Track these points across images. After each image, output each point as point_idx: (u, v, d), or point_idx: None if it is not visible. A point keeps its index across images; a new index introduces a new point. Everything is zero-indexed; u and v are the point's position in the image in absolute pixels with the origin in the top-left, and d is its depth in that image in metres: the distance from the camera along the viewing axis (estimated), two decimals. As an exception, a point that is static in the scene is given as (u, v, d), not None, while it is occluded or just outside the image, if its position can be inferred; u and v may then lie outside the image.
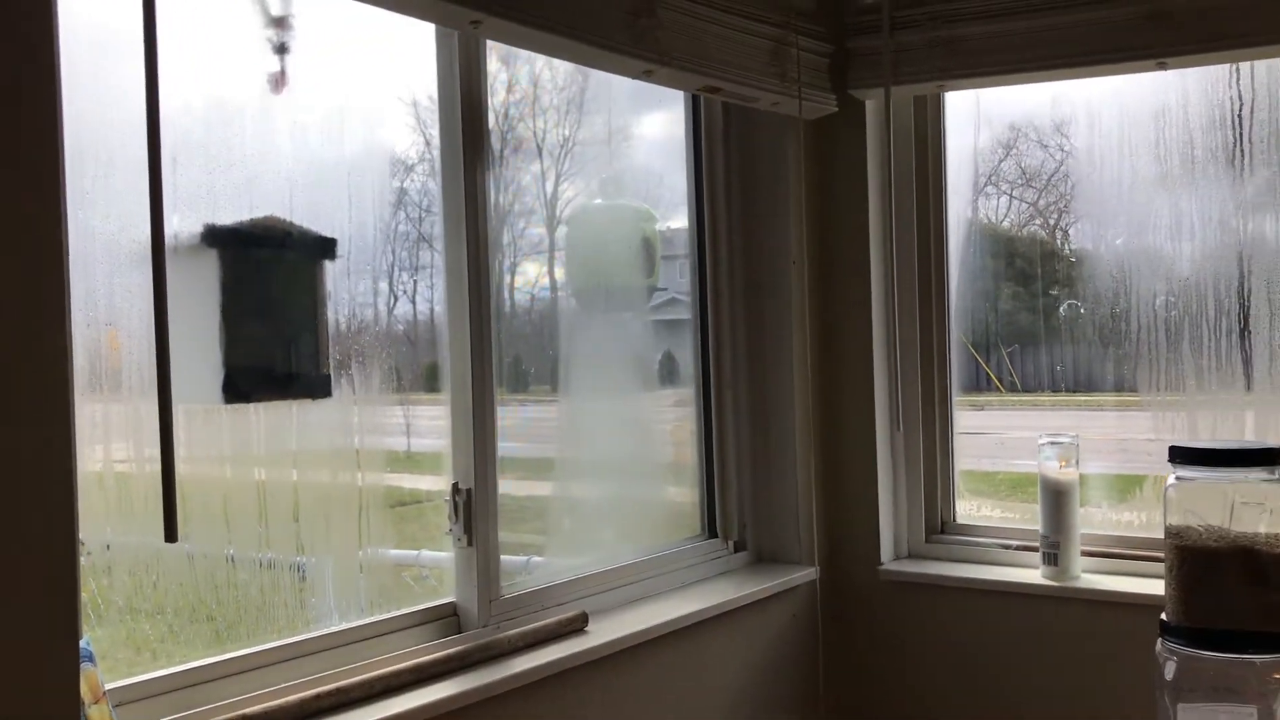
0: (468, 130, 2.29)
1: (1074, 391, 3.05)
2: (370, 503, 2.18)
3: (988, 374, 3.15)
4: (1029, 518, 2.95)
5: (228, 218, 1.93)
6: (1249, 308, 2.69)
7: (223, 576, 1.97)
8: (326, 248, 2.08)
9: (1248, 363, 2.69)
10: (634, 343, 2.94)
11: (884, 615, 3.01)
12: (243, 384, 1.95)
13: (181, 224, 1.87)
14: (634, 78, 2.47)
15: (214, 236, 1.91)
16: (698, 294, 3.01)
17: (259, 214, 1.98)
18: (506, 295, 2.60)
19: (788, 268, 3.01)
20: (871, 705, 3.04)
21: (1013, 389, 3.13)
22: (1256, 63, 2.63)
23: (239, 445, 1.98)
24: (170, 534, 1.62)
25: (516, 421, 2.55)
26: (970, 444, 3.14)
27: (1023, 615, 2.82)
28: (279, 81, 2.00)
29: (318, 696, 1.92)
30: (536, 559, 2.59)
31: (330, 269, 2.10)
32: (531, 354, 2.73)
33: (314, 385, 2.06)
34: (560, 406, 2.75)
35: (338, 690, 1.95)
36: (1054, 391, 3.08)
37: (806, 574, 2.97)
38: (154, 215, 1.61)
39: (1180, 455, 2.18)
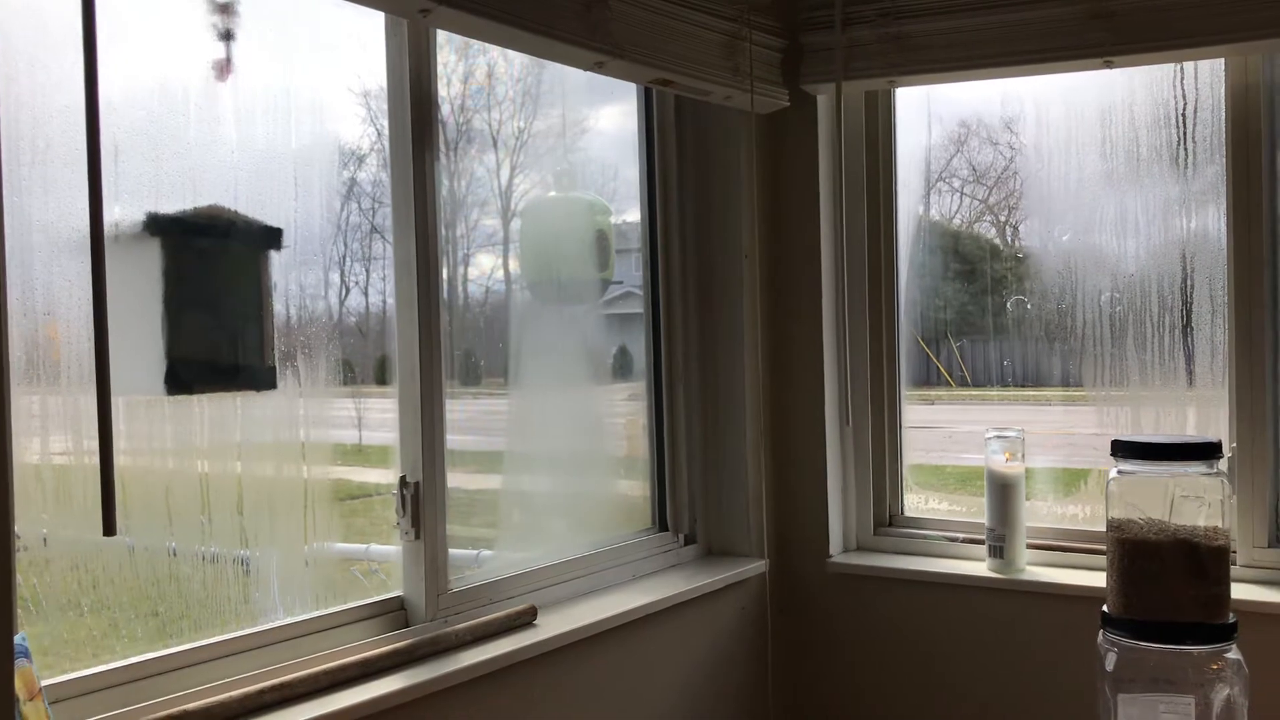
0: (417, 121, 2.27)
1: (1022, 386, 3.08)
2: (317, 496, 2.16)
3: (938, 368, 3.18)
4: (976, 511, 2.98)
5: (171, 206, 1.91)
6: (1191, 305, 2.73)
7: (164, 570, 1.94)
8: (272, 237, 2.05)
9: (1190, 359, 2.74)
10: (587, 336, 2.94)
11: (832, 607, 3.03)
12: (185, 375, 1.93)
13: (124, 212, 1.85)
14: (585, 69, 2.46)
15: (157, 225, 1.89)
16: (650, 288, 3.02)
17: (203, 203, 1.95)
18: (460, 287, 2.59)
19: (739, 262, 3.02)
20: (820, 696, 3.06)
21: (963, 383, 3.16)
22: (1200, 63, 2.67)
23: (181, 437, 1.96)
24: (108, 527, 1.60)
25: (469, 415, 2.54)
26: (920, 438, 3.16)
27: (968, 607, 2.85)
28: (224, 69, 1.97)
29: (261, 692, 1.90)
30: (486, 552, 2.58)
31: (276, 259, 2.08)
32: (484, 347, 2.72)
33: (258, 377, 2.04)
34: (512, 400, 2.74)
35: (282, 685, 1.93)
36: (1003, 386, 3.12)
37: (756, 567, 2.98)
38: (93, 203, 1.59)
39: (1122, 449, 2.21)
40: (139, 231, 1.87)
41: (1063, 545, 2.86)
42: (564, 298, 2.85)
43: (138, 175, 1.86)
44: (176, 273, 1.90)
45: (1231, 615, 2.14)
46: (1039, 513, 2.93)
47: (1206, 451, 2.17)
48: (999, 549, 2.82)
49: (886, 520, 3.11)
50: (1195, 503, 2.16)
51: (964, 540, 2.98)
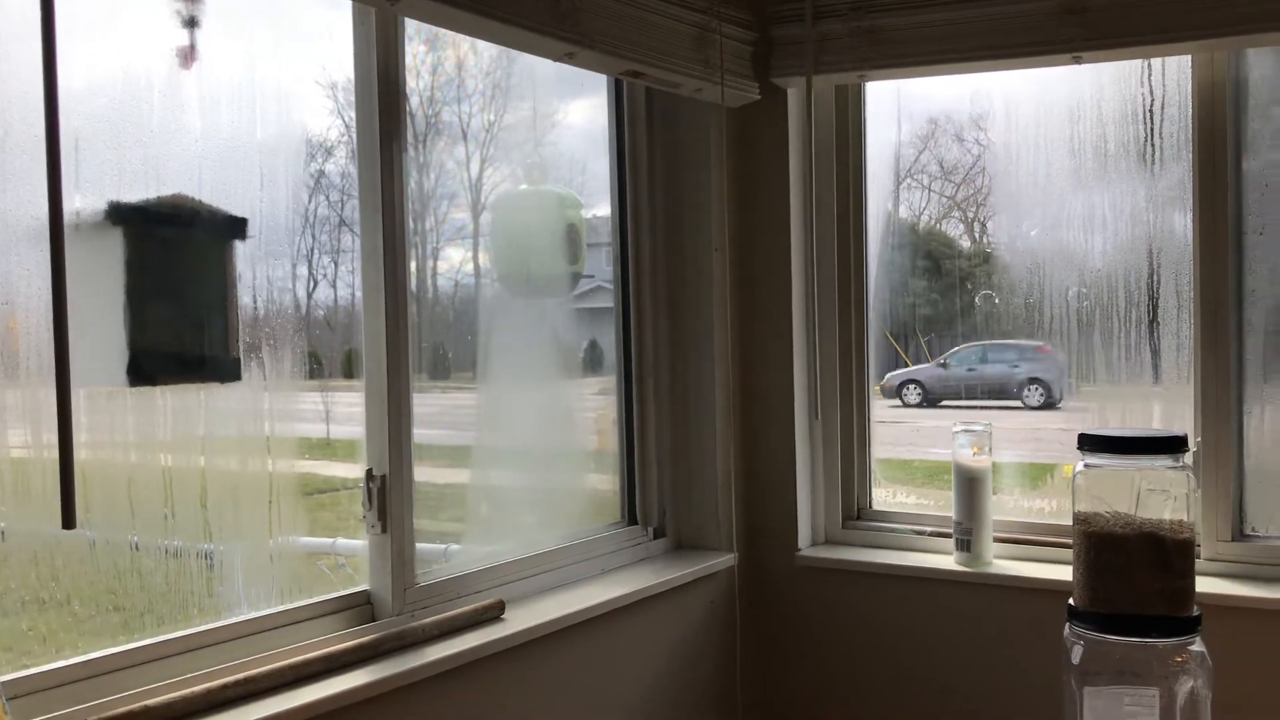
0: (385, 112, 2.25)
1: (990, 381, 3.10)
2: (282, 490, 2.14)
3: (906, 363, 3.18)
4: (944, 504, 2.99)
5: (133, 195, 1.88)
6: (1158, 300, 2.75)
7: (127, 564, 1.91)
8: (237, 227, 2.03)
9: (1156, 354, 2.76)
10: (558, 330, 2.92)
11: (801, 600, 3.04)
12: (148, 366, 1.90)
13: (85, 201, 1.82)
14: (555, 60, 2.45)
15: (119, 214, 1.86)
16: (620, 282, 3.01)
17: (166, 192, 1.92)
18: (429, 281, 2.57)
19: (710, 256, 3.02)
20: (788, 688, 3.06)
21: (931, 378, 3.17)
22: (1167, 60, 2.68)
23: (144, 430, 1.93)
24: (68, 520, 1.58)
25: (437, 408, 2.52)
26: (888, 432, 3.17)
27: (936, 600, 2.86)
28: (188, 56, 1.95)
29: (224, 687, 1.88)
30: (454, 547, 2.56)
31: (241, 250, 2.05)
32: (454, 340, 2.70)
33: (222, 369, 2.01)
34: (481, 393, 2.72)
35: (246, 680, 1.91)
36: (971, 381, 3.13)
37: (725, 560, 2.98)
38: (52, 191, 1.56)
39: (1088, 443, 2.23)
40: (100, 220, 1.84)
41: (1029, 539, 2.87)
42: (534, 291, 2.83)
43: (99, 163, 1.83)
44: (139, 262, 1.87)
45: (1196, 609, 2.16)
46: (1006, 507, 2.94)
47: (1172, 445, 2.19)
48: (966, 543, 2.83)
49: (855, 514, 3.12)
50: (1161, 496, 2.17)
51: (932, 534, 2.99)
